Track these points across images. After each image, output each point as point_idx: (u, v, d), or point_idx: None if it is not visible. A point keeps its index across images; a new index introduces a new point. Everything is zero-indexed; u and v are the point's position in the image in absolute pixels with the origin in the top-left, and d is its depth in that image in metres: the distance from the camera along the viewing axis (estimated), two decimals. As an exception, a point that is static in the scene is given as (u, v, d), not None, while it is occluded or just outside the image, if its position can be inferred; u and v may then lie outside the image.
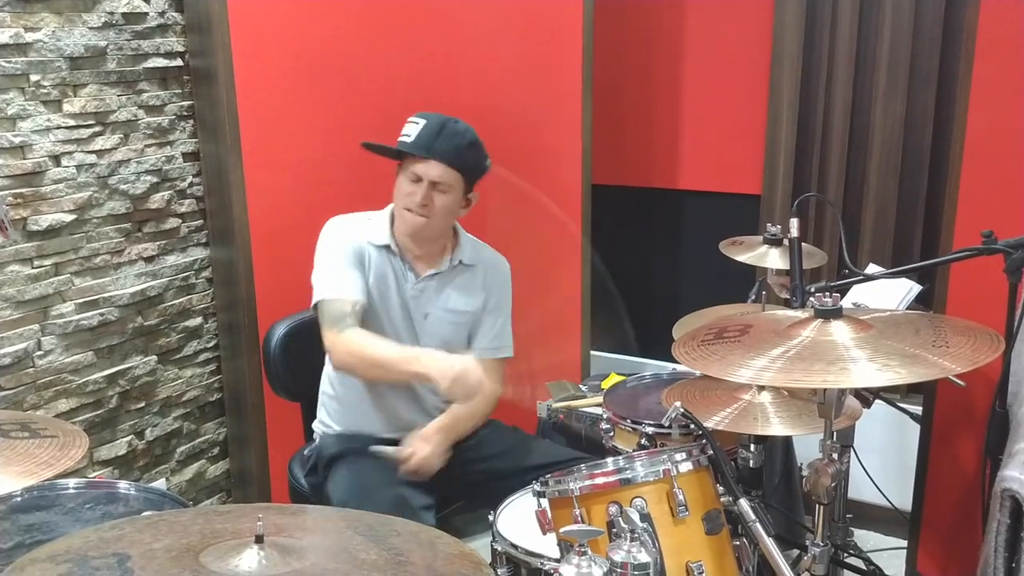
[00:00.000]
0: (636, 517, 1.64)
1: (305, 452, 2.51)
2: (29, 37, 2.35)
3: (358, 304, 2.30)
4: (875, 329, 1.70)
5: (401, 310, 2.39)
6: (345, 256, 2.34)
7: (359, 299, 2.30)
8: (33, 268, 2.44)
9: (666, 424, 2.24)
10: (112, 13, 2.52)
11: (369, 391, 2.40)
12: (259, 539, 1.34)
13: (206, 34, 2.65)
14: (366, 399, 2.40)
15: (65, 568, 1.26)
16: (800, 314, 1.82)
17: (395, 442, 2.34)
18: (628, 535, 1.52)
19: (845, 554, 2.65)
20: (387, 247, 2.38)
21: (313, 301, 2.33)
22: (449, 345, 2.38)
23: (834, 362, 1.59)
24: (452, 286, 2.43)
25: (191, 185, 2.80)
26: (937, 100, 3.09)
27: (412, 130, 2.32)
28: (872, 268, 2.62)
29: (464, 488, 2.44)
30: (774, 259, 2.52)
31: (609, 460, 1.81)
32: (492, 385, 2.32)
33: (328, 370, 2.47)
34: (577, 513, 1.72)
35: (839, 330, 1.69)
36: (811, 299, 1.78)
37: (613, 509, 1.70)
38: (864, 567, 2.53)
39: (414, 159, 2.31)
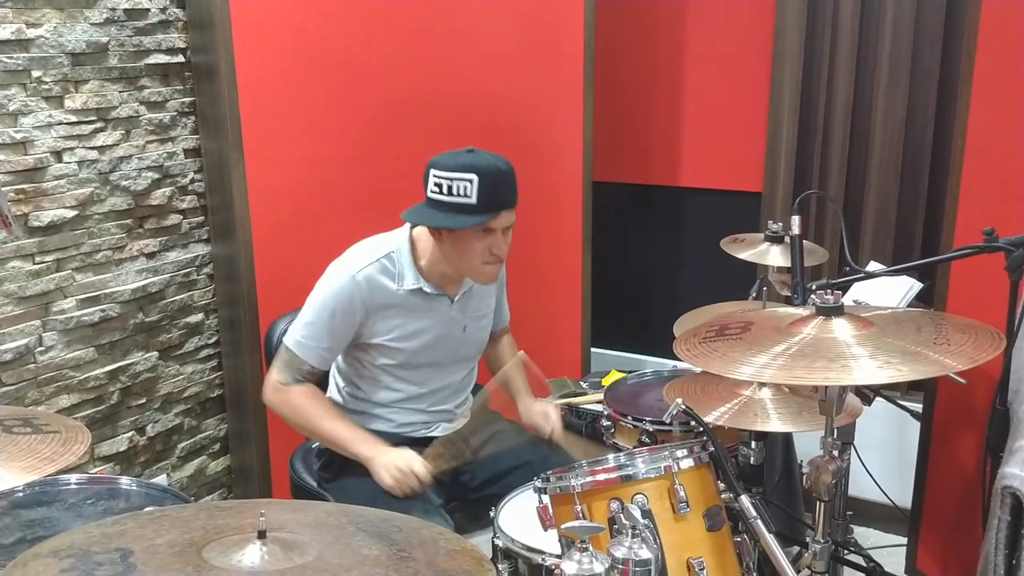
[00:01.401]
0: (637, 513, 1.65)
1: (315, 445, 2.50)
2: (31, 33, 2.35)
3: (314, 371, 2.28)
4: (876, 327, 1.70)
5: (441, 335, 2.35)
6: (332, 319, 2.25)
7: (318, 369, 2.29)
8: (34, 264, 2.44)
9: (667, 421, 2.24)
10: (114, 9, 2.52)
11: (377, 404, 2.39)
12: (261, 534, 1.34)
13: (208, 30, 2.65)
14: (375, 408, 2.40)
15: (68, 563, 1.26)
16: (801, 311, 1.83)
17: (406, 442, 2.35)
18: (629, 531, 1.53)
19: (845, 551, 2.65)
20: (419, 290, 2.29)
21: (285, 338, 2.31)
22: (483, 345, 2.49)
23: (835, 359, 1.60)
24: (477, 292, 2.43)
25: (192, 181, 2.80)
26: (938, 97, 3.09)
27: (466, 189, 2.13)
28: (873, 266, 2.62)
29: (472, 485, 2.45)
30: (775, 256, 2.53)
31: (610, 457, 1.81)
32: (516, 350, 2.57)
33: (335, 379, 2.45)
34: (578, 509, 1.72)
35: (840, 327, 1.69)
36: (812, 296, 1.78)
37: (614, 505, 1.71)
38: (864, 564, 2.53)
39: None
